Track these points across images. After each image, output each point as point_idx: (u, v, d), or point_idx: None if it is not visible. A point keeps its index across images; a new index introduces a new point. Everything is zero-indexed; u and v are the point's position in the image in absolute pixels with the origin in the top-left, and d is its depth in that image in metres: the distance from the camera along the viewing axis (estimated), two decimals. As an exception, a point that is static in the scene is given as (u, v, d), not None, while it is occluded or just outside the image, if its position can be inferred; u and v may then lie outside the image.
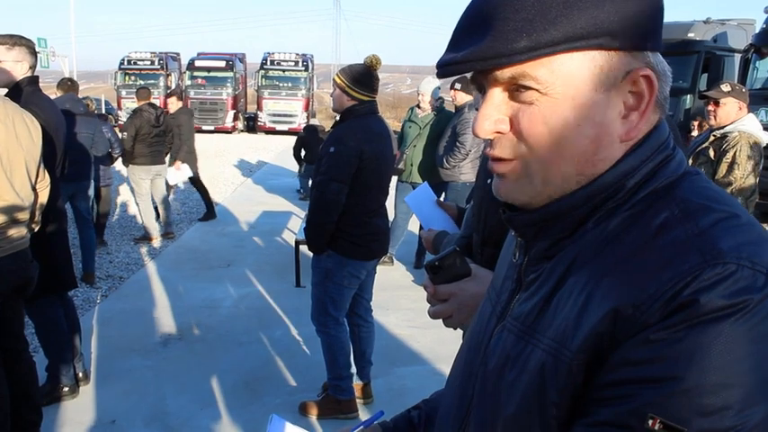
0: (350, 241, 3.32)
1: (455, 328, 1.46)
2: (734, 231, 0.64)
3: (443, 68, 0.72)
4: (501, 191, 0.76)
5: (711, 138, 3.81)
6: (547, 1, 0.66)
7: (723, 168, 3.69)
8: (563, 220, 0.73)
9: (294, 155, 10.53)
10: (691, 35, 11.38)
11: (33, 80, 3.30)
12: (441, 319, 1.41)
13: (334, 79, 3.34)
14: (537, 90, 0.69)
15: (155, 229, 7.57)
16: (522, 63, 0.67)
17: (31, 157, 2.79)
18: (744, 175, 3.65)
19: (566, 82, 0.68)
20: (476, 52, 0.68)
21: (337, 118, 3.37)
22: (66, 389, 3.64)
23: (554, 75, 0.68)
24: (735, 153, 3.66)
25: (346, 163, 3.19)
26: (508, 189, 0.75)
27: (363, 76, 3.28)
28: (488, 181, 1.72)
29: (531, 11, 0.66)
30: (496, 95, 0.72)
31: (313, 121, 11.03)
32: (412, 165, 6.14)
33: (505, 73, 0.69)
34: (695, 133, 7.71)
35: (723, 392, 0.57)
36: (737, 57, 10.74)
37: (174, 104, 8.48)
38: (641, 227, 0.68)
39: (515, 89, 0.70)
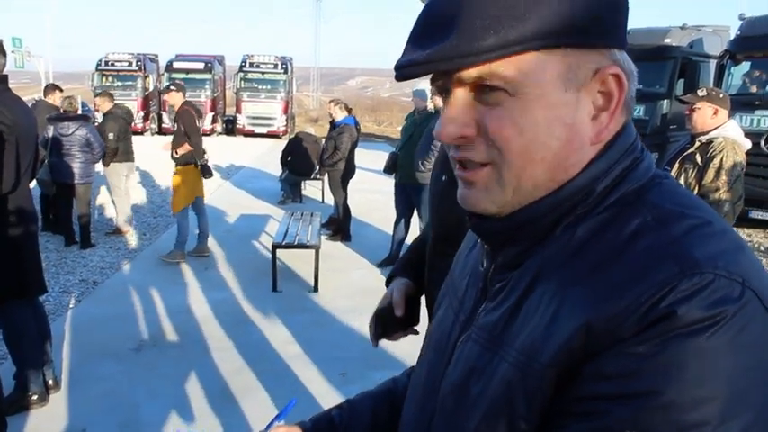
0: None
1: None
2: (709, 239, 0.62)
3: (403, 70, 0.67)
4: (469, 200, 0.72)
5: (697, 143, 3.85)
6: None
7: (711, 174, 3.73)
8: (531, 228, 0.70)
9: (281, 159, 10.35)
10: (667, 41, 11.51)
11: (2, 79, 3.23)
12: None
13: None
14: (505, 91, 0.65)
15: (126, 224, 7.85)
16: (490, 62, 0.63)
17: None
18: (730, 181, 3.69)
19: (535, 81, 0.65)
20: (440, 52, 0.63)
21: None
22: (35, 397, 3.55)
23: (522, 74, 0.64)
24: (721, 159, 3.71)
25: None
26: (477, 198, 0.71)
27: None
28: (442, 178, 1.71)
29: (499, 7, 0.62)
30: (462, 97, 0.68)
31: (308, 129, 10.76)
32: (401, 167, 6.42)
33: (471, 73, 0.65)
34: None
35: (701, 407, 0.55)
36: (713, 63, 10.88)
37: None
38: (613, 234, 0.65)
39: (482, 90, 0.66)
